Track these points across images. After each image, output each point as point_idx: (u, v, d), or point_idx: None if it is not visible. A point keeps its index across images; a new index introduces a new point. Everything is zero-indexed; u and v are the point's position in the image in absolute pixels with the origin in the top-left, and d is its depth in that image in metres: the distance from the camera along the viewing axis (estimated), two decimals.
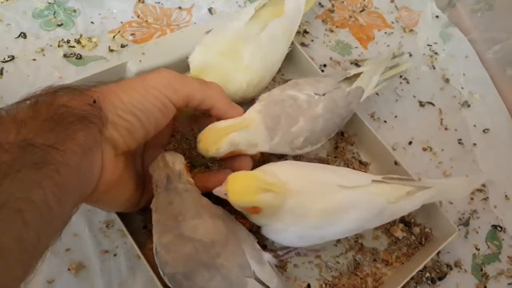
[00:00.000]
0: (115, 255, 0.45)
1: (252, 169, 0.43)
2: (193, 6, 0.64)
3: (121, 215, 0.42)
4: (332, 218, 0.41)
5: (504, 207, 0.57)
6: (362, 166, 0.55)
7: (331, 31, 0.68)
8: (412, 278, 0.47)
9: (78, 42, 0.57)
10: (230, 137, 0.40)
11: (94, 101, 0.31)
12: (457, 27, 0.73)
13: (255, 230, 0.45)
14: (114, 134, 0.33)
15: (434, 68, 0.68)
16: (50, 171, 0.26)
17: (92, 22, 0.59)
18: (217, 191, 0.38)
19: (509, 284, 0.52)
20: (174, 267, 0.36)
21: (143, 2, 0.63)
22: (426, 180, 0.46)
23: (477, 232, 0.55)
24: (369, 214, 0.42)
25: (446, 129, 0.63)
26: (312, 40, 0.66)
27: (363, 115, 0.54)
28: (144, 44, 0.54)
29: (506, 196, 0.58)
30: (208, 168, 0.50)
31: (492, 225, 0.56)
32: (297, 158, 0.52)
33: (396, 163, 0.51)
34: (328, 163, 0.54)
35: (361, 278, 0.48)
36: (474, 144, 0.62)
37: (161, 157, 0.39)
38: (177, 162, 0.39)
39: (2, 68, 0.53)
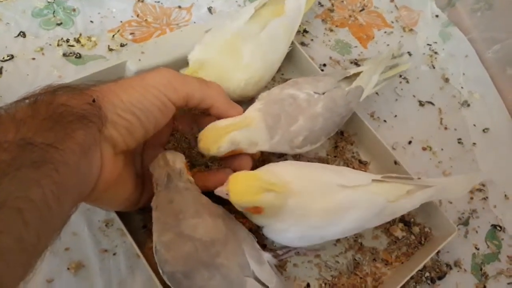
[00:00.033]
0: (114, 254, 0.45)
1: (252, 168, 0.43)
2: (193, 5, 0.64)
3: (120, 214, 0.42)
4: (333, 218, 0.41)
5: (504, 206, 0.58)
6: (362, 165, 0.55)
7: (331, 30, 0.68)
8: (411, 278, 0.47)
9: (78, 41, 0.57)
10: (231, 136, 0.40)
11: (94, 100, 0.31)
12: (457, 26, 0.73)
13: (255, 230, 0.45)
14: (114, 133, 0.33)
15: (434, 68, 0.68)
16: (49, 170, 0.26)
17: (91, 21, 0.59)
18: (219, 191, 0.38)
19: (508, 283, 0.52)
20: (173, 265, 0.36)
21: (142, 1, 0.63)
22: (426, 179, 0.46)
23: (476, 232, 0.55)
24: (369, 213, 0.42)
25: (445, 128, 0.63)
26: (312, 40, 0.66)
27: (362, 115, 0.54)
28: (143, 43, 0.54)
29: (505, 195, 0.58)
30: (207, 167, 0.50)
31: (492, 225, 0.56)
32: (296, 157, 0.52)
33: (395, 162, 0.51)
34: (327, 163, 0.54)
35: (360, 278, 0.48)
36: (474, 143, 0.62)
37: (161, 155, 0.39)
38: (177, 160, 0.39)
39: (2, 67, 0.53)
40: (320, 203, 0.40)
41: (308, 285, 0.46)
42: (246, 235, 0.40)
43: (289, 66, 0.60)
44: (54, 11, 0.59)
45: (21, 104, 0.28)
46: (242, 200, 0.37)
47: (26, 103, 0.28)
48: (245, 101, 0.52)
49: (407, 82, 0.65)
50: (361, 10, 0.72)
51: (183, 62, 0.49)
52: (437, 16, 0.75)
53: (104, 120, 0.32)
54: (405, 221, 0.52)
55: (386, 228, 0.51)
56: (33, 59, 0.54)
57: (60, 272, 0.42)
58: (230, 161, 0.44)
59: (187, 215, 0.37)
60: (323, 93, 0.46)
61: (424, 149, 0.60)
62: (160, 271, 0.37)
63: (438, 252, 0.49)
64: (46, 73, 0.53)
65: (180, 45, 0.50)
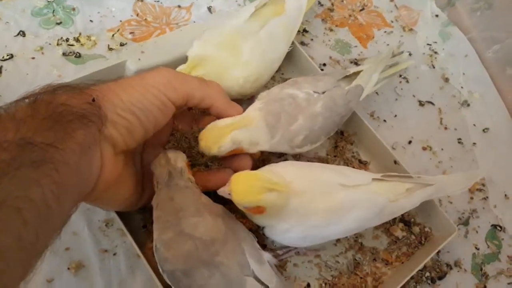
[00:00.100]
0: (114, 254, 0.44)
1: (252, 168, 0.43)
2: (193, 5, 0.64)
3: (120, 214, 0.42)
4: (334, 217, 0.41)
5: (504, 206, 0.58)
6: (362, 165, 0.55)
7: (331, 30, 0.68)
8: (412, 278, 0.47)
9: (77, 40, 0.57)
10: (232, 135, 0.40)
11: (93, 100, 0.31)
12: (457, 26, 0.73)
13: (255, 230, 0.45)
14: (113, 133, 0.33)
15: (434, 67, 0.68)
16: (49, 170, 0.26)
17: (91, 21, 0.59)
18: (221, 191, 0.38)
19: (508, 283, 0.52)
20: (173, 264, 0.36)
21: (142, 0, 0.63)
22: (425, 177, 0.46)
23: (476, 232, 0.55)
24: (370, 213, 0.42)
25: (445, 128, 0.62)
26: (312, 39, 0.66)
27: (362, 114, 0.54)
28: (143, 43, 0.54)
29: (505, 195, 0.58)
30: (207, 167, 0.50)
31: (492, 225, 0.56)
32: (296, 157, 0.52)
33: (395, 162, 0.51)
34: (327, 162, 0.54)
35: (361, 278, 0.47)
36: (474, 143, 0.62)
37: (163, 154, 0.39)
38: (179, 159, 0.39)
39: (1, 67, 0.52)
40: (321, 203, 0.40)
41: (308, 285, 0.46)
42: (246, 235, 0.40)
43: (289, 65, 0.60)
44: (53, 10, 0.59)
45: (20, 103, 0.28)
46: (244, 200, 0.37)
47: (26, 102, 0.28)
48: (244, 100, 0.52)
49: (407, 81, 0.65)
50: (361, 10, 0.72)
51: (183, 62, 0.49)
52: (437, 15, 0.75)
53: (104, 120, 0.32)
54: (405, 221, 0.52)
55: (387, 228, 0.51)
56: (33, 58, 0.54)
57: (60, 272, 0.42)
58: (230, 161, 0.44)
59: (188, 214, 0.37)
60: (323, 93, 0.46)
61: (424, 149, 0.60)
62: (160, 270, 0.37)
63: (438, 252, 0.49)
64: (45, 72, 0.53)
65: (180, 44, 0.50)
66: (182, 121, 0.46)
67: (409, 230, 0.51)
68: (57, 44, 0.56)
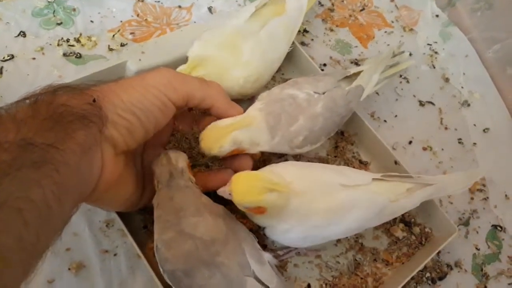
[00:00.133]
0: (115, 254, 0.44)
1: (253, 169, 0.43)
2: (193, 5, 0.64)
3: (121, 214, 0.42)
4: (335, 218, 0.41)
5: (504, 206, 0.57)
6: (362, 165, 0.55)
7: (331, 30, 0.68)
8: (412, 278, 0.47)
9: (78, 41, 0.57)
10: (233, 135, 0.40)
11: (94, 100, 0.31)
12: (457, 26, 0.73)
13: (255, 230, 0.45)
14: (114, 133, 0.33)
15: (434, 68, 0.68)
16: (49, 170, 0.26)
17: (91, 21, 0.59)
18: (222, 192, 0.38)
19: (509, 284, 0.52)
20: (174, 264, 0.36)
21: (142, 1, 0.63)
22: (425, 176, 0.46)
23: (477, 232, 0.55)
24: (370, 213, 0.42)
25: (446, 128, 0.62)
26: (312, 39, 0.66)
27: (363, 115, 0.54)
28: (143, 43, 0.54)
29: (506, 195, 0.58)
30: (208, 167, 0.50)
31: (492, 225, 0.56)
32: (297, 157, 0.52)
33: (396, 162, 0.51)
34: (328, 163, 0.54)
35: (361, 278, 0.47)
36: (474, 143, 0.62)
37: (164, 154, 0.40)
38: (180, 160, 0.39)
39: (2, 67, 0.53)
40: (322, 203, 0.40)
41: (308, 285, 0.46)
42: (246, 235, 0.40)
43: (289, 66, 0.60)
44: (54, 11, 0.59)
45: (21, 104, 0.28)
46: (245, 200, 0.37)
47: (27, 103, 0.28)
48: (244, 101, 0.52)
49: (407, 82, 0.65)
50: (361, 10, 0.72)
51: (183, 62, 0.49)
52: (437, 15, 0.75)
53: (104, 120, 0.32)
54: (406, 221, 0.52)
55: (387, 228, 0.51)
56: (33, 59, 0.54)
57: (61, 273, 0.42)
58: (230, 161, 0.44)
59: (188, 213, 0.37)
60: (323, 93, 0.46)
61: (424, 149, 0.60)
62: (161, 270, 0.37)
63: (439, 252, 0.49)
64: (46, 73, 0.53)
65: (180, 45, 0.50)
66: (183, 122, 0.46)
67: (409, 230, 0.51)
68: (58, 45, 0.56)
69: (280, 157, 0.52)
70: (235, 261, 0.36)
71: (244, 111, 0.43)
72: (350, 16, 0.71)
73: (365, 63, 0.58)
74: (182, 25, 0.62)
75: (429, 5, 0.75)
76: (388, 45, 0.68)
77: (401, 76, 0.65)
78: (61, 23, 0.58)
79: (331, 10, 0.70)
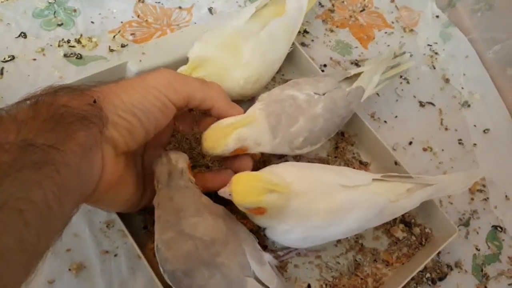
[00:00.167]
0: (115, 255, 0.45)
1: (253, 169, 0.43)
2: (193, 6, 0.64)
3: (121, 215, 0.42)
4: (335, 218, 0.41)
5: (504, 207, 0.57)
6: (362, 166, 0.55)
7: (331, 31, 0.68)
8: (412, 279, 0.47)
9: (78, 42, 0.57)
10: (237, 132, 0.40)
11: (95, 101, 0.31)
12: (457, 27, 0.73)
13: (256, 231, 0.45)
14: (115, 134, 0.33)
15: (434, 68, 0.68)
16: (50, 171, 0.26)
17: (92, 22, 0.59)
18: (222, 192, 0.38)
19: (509, 284, 0.52)
20: (174, 264, 0.36)
21: (143, 2, 0.63)
22: (425, 177, 0.46)
23: (477, 233, 0.55)
24: (370, 213, 0.42)
25: (446, 129, 0.62)
26: (312, 40, 0.66)
27: (363, 115, 0.54)
28: (144, 44, 0.54)
29: (506, 196, 0.58)
30: (208, 168, 0.50)
31: (493, 226, 0.56)
32: (297, 158, 0.52)
33: (396, 163, 0.51)
34: (328, 163, 0.54)
35: (361, 279, 0.47)
36: (474, 144, 0.62)
37: (165, 154, 0.40)
38: (180, 160, 0.40)
39: (3, 68, 0.53)
40: (322, 204, 0.40)
41: (309, 286, 0.46)
42: (246, 236, 0.40)
43: (290, 66, 0.60)
44: (55, 12, 0.59)
45: (22, 105, 0.28)
46: (245, 200, 0.37)
47: (27, 104, 0.28)
48: (244, 101, 0.52)
49: (408, 82, 0.65)
50: (361, 11, 0.72)
51: (184, 63, 0.49)
52: (437, 16, 0.75)
53: (105, 121, 0.32)
54: (406, 221, 0.52)
55: (387, 229, 0.51)
56: (34, 59, 0.54)
57: (61, 273, 0.42)
58: (230, 162, 0.44)
59: (188, 214, 0.37)
60: (324, 94, 0.46)
61: (424, 149, 0.60)
62: (161, 270, 0.37)
63: (439, 253, 0.49)
64: (47, 73, 0.53)
65: (181, 45, 0.50)
66: (183, 123, 0.46)
67: (409, 231, 0.51)
68: (58, 46, 0.56)
69: (280, 157, 0.52)
70: (235, 261, 0.36)
71: (245, 112, 0.43)
72: (350, 17, 0.71)
73: (365, 64, 0.58)
74: (183, 26, 0.62)
75: (429, 6, 0.75)
76: (388, 45, 0.68)
77: (401, 76, 0.65)
78: (62, 24, 0.58)
79: (331, 11, 0.70)
